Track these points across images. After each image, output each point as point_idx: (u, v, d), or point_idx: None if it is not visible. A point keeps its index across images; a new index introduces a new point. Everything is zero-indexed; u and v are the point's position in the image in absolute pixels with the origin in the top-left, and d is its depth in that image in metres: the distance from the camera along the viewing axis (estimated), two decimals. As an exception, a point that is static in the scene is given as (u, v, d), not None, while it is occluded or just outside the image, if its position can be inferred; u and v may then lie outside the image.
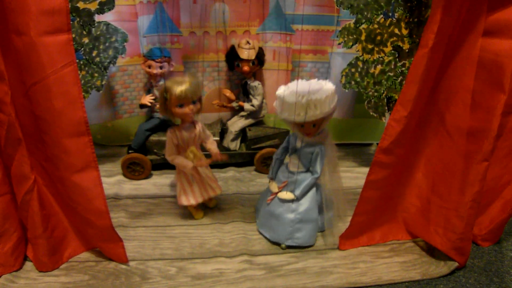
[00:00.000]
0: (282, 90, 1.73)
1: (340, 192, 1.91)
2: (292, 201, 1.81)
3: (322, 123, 1.73)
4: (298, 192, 1.79)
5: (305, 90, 1.65)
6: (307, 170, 1.83)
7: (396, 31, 2.24)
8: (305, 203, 1.82)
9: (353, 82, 2.43)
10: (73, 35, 2.15)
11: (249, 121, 2.59)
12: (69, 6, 1.34)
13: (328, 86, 1.69)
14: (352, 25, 2.33)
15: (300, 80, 1.74)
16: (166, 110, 1.78)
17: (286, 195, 1.81)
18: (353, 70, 2.41)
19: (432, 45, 1.42)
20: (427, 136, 1.73)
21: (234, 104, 2.62)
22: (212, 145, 2.01)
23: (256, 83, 2.52)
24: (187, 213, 2.07)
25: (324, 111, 1.65)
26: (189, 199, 1.96)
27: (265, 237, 1.90)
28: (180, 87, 1.72)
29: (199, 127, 1.91)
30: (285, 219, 1.82)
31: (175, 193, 2.19)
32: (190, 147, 1.88)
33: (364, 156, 2.78)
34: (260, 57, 2.49)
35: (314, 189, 1.84)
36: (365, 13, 2.25)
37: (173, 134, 1.84)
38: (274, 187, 1.89)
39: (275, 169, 1.95)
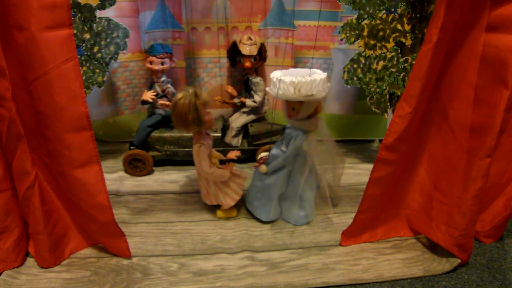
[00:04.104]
0: (278, 71, 1.84)
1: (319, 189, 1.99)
2: (265, 174, 1.93)
3: (300, 108, 1.76)
4: (268, 167, 1.91)
5: (294, 73, 1.77)
6: None
7: (399, 26, 2.23)
8: (271, 178, 1.92)
9: (355, 78, 2.42)
10: (74, 31, 2.14)
11: (251, 117, 2.59)
12: (70, 1, 1.33)
13: (314, 75, 1.72)
14: (354, 21, 2.32)
15: (305, 69, 1.87)
16: (197, 122, 1.76)
17: (261, 168, 1.94)
18: (355, 66, 2.40)
19: (436, 41, 1.41)
20: (430, 132, 1.72)
21: (236, 100, 2.62)
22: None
23: (258, 79, 2.51)
24: (189, 209, 2.08)
25: (292, 95, 1.70)
26: (234, 197, 1.98)
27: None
28: (203, 95, 1.75)
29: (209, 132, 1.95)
30: (253, 184, 2.01)
31: (176, 190, 2.21)
32: (212, 154, 1.92)
33: (367, 153, 2.77)
34: (262, 53, 2.49)
35: (284, 171, 1.90)
36: (367, 9, 2.23)
37: (204, 147, 1.84)
38: (260, 156, 2.04)
39: (277, 142, 1.99)
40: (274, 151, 1.91)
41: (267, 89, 1.86)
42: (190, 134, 2.42)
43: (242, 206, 2.10)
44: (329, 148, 1.94)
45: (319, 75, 1.73)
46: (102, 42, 2.30)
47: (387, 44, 2.29)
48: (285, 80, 1.68)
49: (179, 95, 1.73)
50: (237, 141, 2.54)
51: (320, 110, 1.84)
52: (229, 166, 1.96)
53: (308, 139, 1.83)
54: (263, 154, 2.00)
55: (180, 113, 1.73)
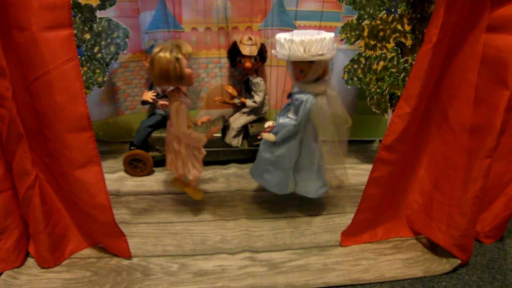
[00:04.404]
0: (284, 33, 1.76)
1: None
2: (274, 143, 1.87)
3: (309, 70, 1.71)
4: (278, 136, 1.83)
5: (301, 33, 1.69)
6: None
7: (399, 27, 2.23)
8: (282, 149, 1.86)
9: (355, 79, 2.42)
10: (75, 31, 2.15)
11: (251, 117, 2.59)
12: (71, 1, 1.33)
13: (322, 34, 1.67)
14: (354, 21, 2.32)
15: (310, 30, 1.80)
16: (179, 75, 1.66)
17: (268, 135, 1.87)
18: (355, 66, 2.40)
19: (436, 41, 1.41)
20: (430, 133, 1.72)
21: (236, 101, 2.62)
22: None
23: (258, 80, 2.51)
24: (189, 209, 2.08)
25: (302, 54, 1.64)
26: (200, 170, 1.92)
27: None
28: (186, 46, 1.66)
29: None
30: (262, 157, 1.93)
31: (177, 190, 2.20)
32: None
33: (367, 153, 2.77)
34: (262, 54, 2.49)
35: (296, 140, 1.84)
36: (368, 9, 2.23)
37: (184, 105, 1.75)
38: (267, 125, 1.97)
39: (281, 110, 1.94)
40: (282, 119, 1.85)
41: (272, 51, 1.80)
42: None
43: (240, 207, 2.10)
44: (336, 148, 1.90)
45: (327, 34, 1.68)
46: (103, 43, 2.30)
47: (387, 45, 2.29)
48: (294, 39, 1.62)
49: (157, 48, 1.64)
50: (237, 142, 2.54)
51: (327, 72, 1.78)
52: (213, 130, 1.92)
53: (317, 102, 1.76)
54: (269, 123, 1.95)
55: (160, 66, 1.63)
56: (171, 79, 1.67)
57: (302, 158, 1.89)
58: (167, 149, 1.92)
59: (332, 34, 1.68)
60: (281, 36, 1.70)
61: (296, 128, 1.81)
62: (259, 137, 1.95)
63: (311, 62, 1.68)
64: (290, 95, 1.86)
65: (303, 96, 1.75)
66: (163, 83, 1.70)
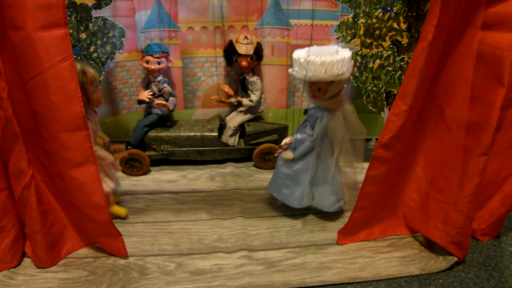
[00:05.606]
0: (301, 50, 1.77)
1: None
2: (292, 160, 1.89)
3: (328, 88, 1.74)
4: (296, 152, 1.87)
5: (319, 51, 1.69)
6: None
7: (395, 25, 2.23)
8: (299, 164, 1.90)
9: (351, 77, 2.42)
10: (70, 31, 2.14)
11: (248, 116, 2.59)
12: (66, 1, 1.33)
13: (340, 53, 1.68)
14: (350, 20, 2.32)
15: (326, 46, 1.81)
16: (84, 101, 1.59)
17: (286, 154, 1.90)
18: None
19: (432, 39, 1.41)
20: (426, 131, 1.73)
21: (233, 100, 2.62)
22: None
23: (254, 78, 2.51)
24: (186, 208, 2.08)
25: (323, 75, 1.67)
26: (109, 184, 1.91)
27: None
28: (91, 70, 1.70)
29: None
30: (280, 172, 1.96)
31: (173, 189, 2.20)
32: (97, 133, 1.87)
33: (364, 151, 2.77)
34: (258, 52, 2.49)
35: (313, 155, 1.86)
36: (364, 7, 2.24)
37: (89, 121, 1.74)
38: (284, 142, 1.96)
39: (299, 126, 1.96)
40: (299, 135, 1.88)
41: (289, 70, 1.81)
42: (187, 134, 2.43)
43: (237, 206, 2.09)
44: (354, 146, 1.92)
45: (345, 52, 1.70)
46: (98, 42, 2.29)
47: (383, 43, 2.29)
48: (315, 60, 1.64)
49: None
50: (233, 141, 2.54)
51: (343, 87, 1.81)
52: (119, 156, 1.97)
53: (334, 117, 1.79)
54: (286, 140, 1.95)
55: None
56: None
57: (318, 172, 1.92)
58: None
59: (349, 52, 1.70)
60: (300, 56, 1.71)
61: (312, 144, 1.84)
62: (276, 154, 1.97)
63: (330, 81, 1.71)
64: (306, 111, 1.88)
65: (317, 112, 1.79)
66: None
